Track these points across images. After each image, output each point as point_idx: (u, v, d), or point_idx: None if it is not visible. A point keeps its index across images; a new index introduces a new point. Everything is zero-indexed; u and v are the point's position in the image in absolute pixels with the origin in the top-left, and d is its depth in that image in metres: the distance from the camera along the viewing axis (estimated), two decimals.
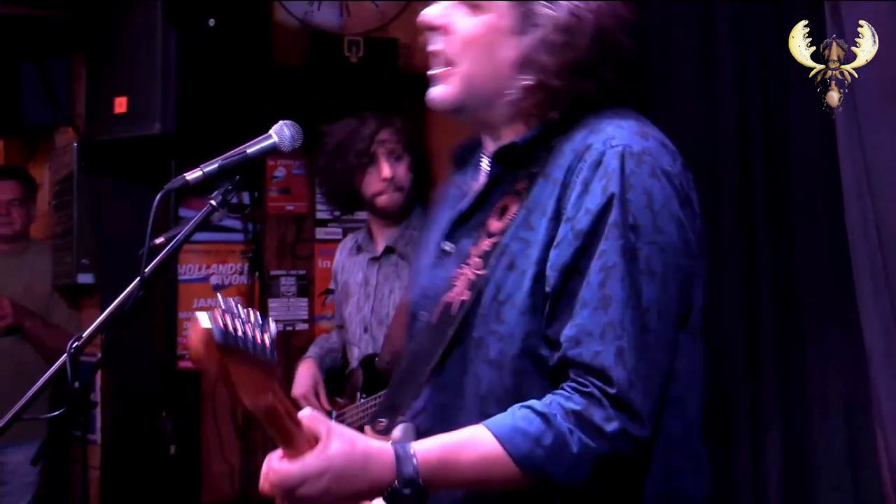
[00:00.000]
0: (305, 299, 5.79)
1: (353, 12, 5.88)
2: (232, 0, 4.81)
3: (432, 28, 2.22)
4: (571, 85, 2.08)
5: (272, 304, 5.71)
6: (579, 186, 2.01)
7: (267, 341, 1.82)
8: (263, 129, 2.48)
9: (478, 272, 2.09)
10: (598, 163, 2.00)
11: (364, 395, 4.01)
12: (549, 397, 1.95)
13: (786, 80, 4.17)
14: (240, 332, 1.79)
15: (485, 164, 2.24)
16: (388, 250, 4.09)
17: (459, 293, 2.11)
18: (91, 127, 5.05)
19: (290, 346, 5.74)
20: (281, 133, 2.41)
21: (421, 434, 2.09)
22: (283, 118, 2.46)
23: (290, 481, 1.89)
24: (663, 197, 2.00)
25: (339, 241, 5.71)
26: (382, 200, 4.02)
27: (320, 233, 5.80)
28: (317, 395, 4.20)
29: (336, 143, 4.12)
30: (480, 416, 1.98)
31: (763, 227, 4.27)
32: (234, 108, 4.72)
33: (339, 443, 1.89)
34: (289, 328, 5.74)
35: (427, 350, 2.15)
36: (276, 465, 1.93)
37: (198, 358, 1.79)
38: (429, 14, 2.23)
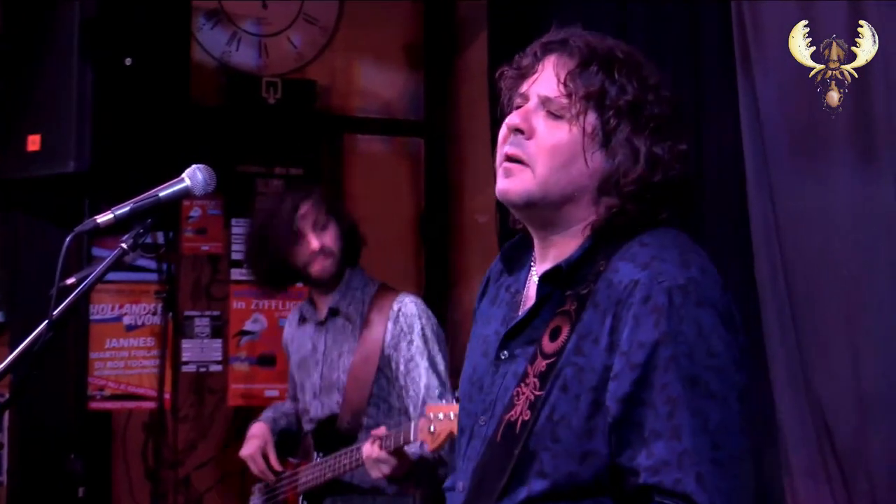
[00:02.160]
0: (219, 340, 5.74)
1: (271, 53, 5.89)
2: (149, 39, 4.77)
3: (517, 130, 2.29)
4: (642, 209, 2.25)
5: (185, 344, 5.67)
6: (631, 321, 2.15)
7: None
8: (180, 168, 2.47)
9: (536, 393, 2.22)
10: (646, 298, 2.14)
11: (320, 454, 4.08)
12: None
13: (698, 127, 4.23)
14: None
15: (534, 277, 2.38)
16: (333, 312, 4.15)
17: (521, 412, 2.24)
18: (4, 164, 4.99)
19: (204, 387, 5.70)
20: (194, 177, 2.41)
21: None
22: (200, 158, 2.47)
23: None
24: (710, 323, 2.15)
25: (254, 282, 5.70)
26: (315, 269, 4.09)
27: (235, 273, 5.77)
28: (266, 455, 4.21)
29: (260, 226, 4.20)
30: None
31: None
32: (150, 148, 4.69)
33: None
34: (202, 369, 5.69)
35: (496, 467, 2.27)
36: None
37: None
38: (514, 119, 2.30)
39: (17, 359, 2.29)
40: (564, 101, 2.25)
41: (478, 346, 2.47)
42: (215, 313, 5.74)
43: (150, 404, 5.45)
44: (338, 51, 6.00)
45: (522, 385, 2.26)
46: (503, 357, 2.35)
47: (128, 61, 4.68)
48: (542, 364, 2.24)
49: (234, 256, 5.74)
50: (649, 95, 2.25)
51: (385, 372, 3.99)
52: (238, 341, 5.74)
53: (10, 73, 4.92)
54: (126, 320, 5.52)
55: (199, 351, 5.68)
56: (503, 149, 2.31)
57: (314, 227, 4.07)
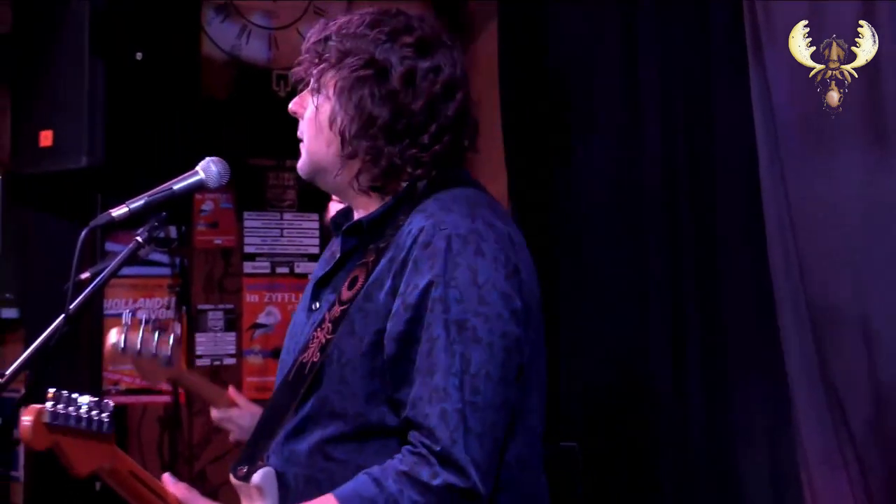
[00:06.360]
0: (233, 333, 5.75)
1: (281, 46, 5.89)
2: (159, 33, 4.78)
3: (294, 115, 2.44)
4: (381, 153, 2.31)
5: (199, 338, 5.67)
6: (411, 265, 2.21)
7: (103, 419, 2.20)
8: (191, 162, 2.47)
9: (328, 336, 2.30)
10: (427, 244, 2.21)
11: None
12: (387, 462, 2.18)
13: (711, 121, 4.22)
14: (71, 413, 2.14)
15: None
16: None
17: (312, 355, 2.32)
18: (16, 160, 5.00)
19: (218, 380, 5.69)
20: (208, 170, 2.42)
21: (278, 477, 2.33)
22: (211, 152, 2.47)
23: None
24: (487, 273, 2.20)
25: (266, 275, 5.72)
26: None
27: (248, 267, 5.77)
28: None
29: None
30: (324, 460, 2.27)
31: (689, 267, 4.31)
32: (161, 142, 4.69)
33: None
34: (216, 363, 5.70)
35: (283, 405, 2.37)
36: None
37: (28, 439, 2.10)
38: (290, 104, 2.44)
39: (34, 354, 2.29)
40: (306, 75, 2.38)
41: (299, 306, 2.57)
42: (228, 306, 5.75)
43: (165, 398, 5.45)
44: None
45: (318, 330, 2.33)
46: (314, 308, 2.44)
47: (138, 56, 4.69)
48: (337, 310, 2.31)
49: (247, 250, 5.74)
50: (360, 44, 2.32)
51: None
52: (252, 334, 5.74)
53: (22, 69, 4.93)
54: (140, 315, 5.53)
55: (212, 344, 5.69)
56: None
57: None
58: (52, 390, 2.13)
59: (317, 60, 2.36)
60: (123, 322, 3.26)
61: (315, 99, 2.37)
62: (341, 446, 2.27)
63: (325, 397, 2.28)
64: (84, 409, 2.17)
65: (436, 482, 2.12)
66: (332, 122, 2.33)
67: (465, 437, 2.13)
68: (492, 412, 2.17)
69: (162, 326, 3.47)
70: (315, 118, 2.38)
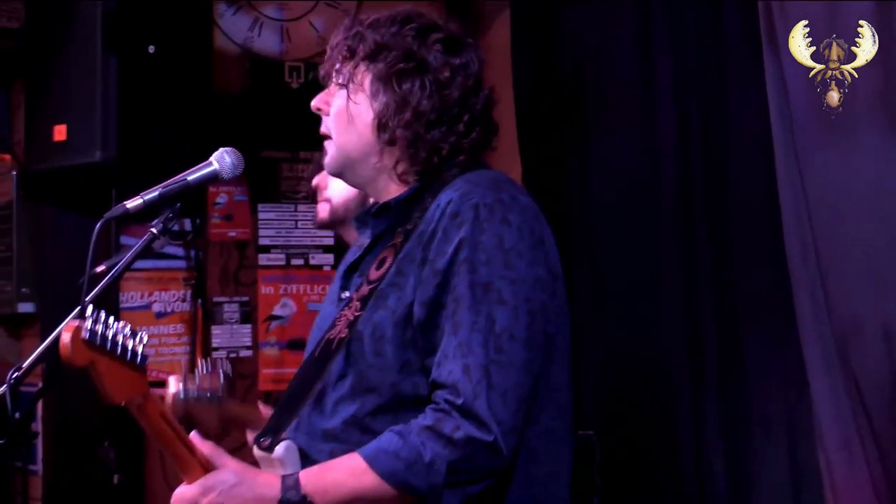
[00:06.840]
0: (249, 326, 5.75)
1: (293, 38, 5.88)
2: (172, 27, 4.78)
3: (318, 111, 2.56)
4: (422, 140, 2.40)
5: (215, 330, 5.68)
6: (440, 234, 2.31)
7: (138, 349, 2.16)
8: (204, 155, 2.48)
9: (356, 314, 2.37)
10: (455, 213, 2.30)
11: None
12: (412, 421, 2.24)
13: (725, 112, 4.21)
14: (108, 335, 2.09)
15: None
16: None
17: (339, 331, 2.40)
18: (30, 155, 5.01)
19: (235, 372, 5.71)
20: (222, 160, 2.43)
21: (304, 457, 2.38)
22: (224, 144, 2.48)
23: (186, 499, 2.21)
24: (512, 240, 2.29)
25: (282, 266, 5.72)
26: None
27: (263, 259, 5.78)
28: None
29: None
30: (360, 433, 2.32)
31: (704, 253, 4.30)
32: (174, 136, 4.70)
33: (230, 467, 2.24)
34: (233, 355, 5.71)
35: (309, 379, 2.44)
36: (177, 491, 2.24)
37: (67, 355, 2.03)
38: (313, 101, 2.56)
39: (50, 348, 2.30)
40: (333, 71, 2.49)
41: (326, 299, 2.67)
42: (244, 299, 5.75)
43: None
44: None
45: (346, 309, 2.42)
46: (343, 297, 2.53)
47: (151, 49, 4.69)
48: (365, 289, 2.40)
49: (262, 242, 5.75)
50: (395, 40, 2.43)
51: None
52: (267, 326, 5.75)
53: (35, 64, 4.93)
54: (156, 307, 5.54)
55: (228, 337, 5.70)
56: None
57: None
58: (90, 308, 2.11)
59: (347, 55, 2.45)
60: (181, 372, 3.50)
61: (346, 92, 2.44)
62: (377, 419, 2.32)
63: (362, 373, 2.34)
64: (120, 336, 2.13)
65: (458, 435, 2.17)
66: (374, 112, 2.41)
67: (487, 392, 2.18)
68: (515, 372, 2.23)
69: (212, 366, 3.67)
70: (345, 110, 2.45)
